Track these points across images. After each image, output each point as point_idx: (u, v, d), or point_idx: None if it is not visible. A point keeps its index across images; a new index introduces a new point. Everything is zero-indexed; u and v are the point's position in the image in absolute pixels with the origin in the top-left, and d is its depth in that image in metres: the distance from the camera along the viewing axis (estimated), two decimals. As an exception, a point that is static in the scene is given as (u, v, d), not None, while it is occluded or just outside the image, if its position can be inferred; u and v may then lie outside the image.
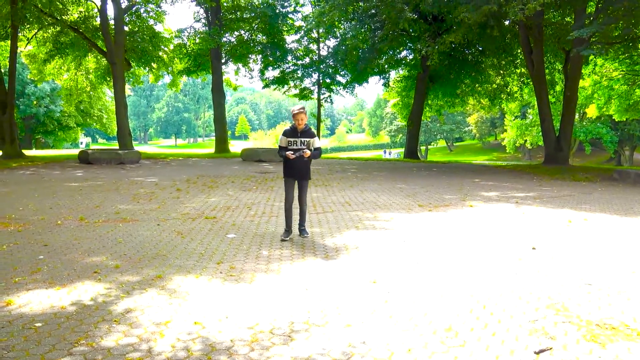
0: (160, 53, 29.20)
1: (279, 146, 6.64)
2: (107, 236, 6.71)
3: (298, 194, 6.71)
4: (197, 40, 28.59)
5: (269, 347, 3.34)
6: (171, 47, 30.00)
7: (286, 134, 6.57)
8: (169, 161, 21.35)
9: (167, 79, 34.14)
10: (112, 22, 24.73)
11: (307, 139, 6.50)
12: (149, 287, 4.56)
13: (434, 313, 3.95)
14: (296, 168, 6.55)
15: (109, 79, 28.93)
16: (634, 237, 6.83)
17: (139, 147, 41.37)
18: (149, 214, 8.50)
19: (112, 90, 27.12)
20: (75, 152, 26.50)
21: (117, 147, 24.17)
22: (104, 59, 26.77)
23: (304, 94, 32.85)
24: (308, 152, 6.40)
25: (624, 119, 32.69)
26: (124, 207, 9.12)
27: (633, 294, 4.41)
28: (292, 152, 6.40)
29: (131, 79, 31.26)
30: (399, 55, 29.44)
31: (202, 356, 3.20)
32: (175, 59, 30.53)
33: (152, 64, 29.41)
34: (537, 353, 3.25)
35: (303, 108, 6.40)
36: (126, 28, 25.73)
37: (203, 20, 29.67)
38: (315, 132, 6.57)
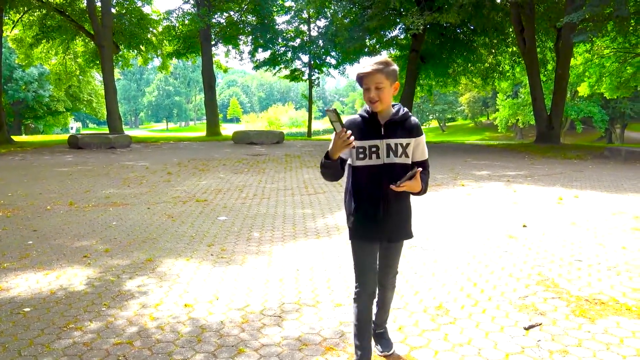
0: (149, 35, 28.87)
1: (327, 157, 2.45)
2: (97, 220, 6.66)
3: (380, 269, 2.77)
4: (186, 22, 28.26)
5: (259, 327, 3.34)
6: (160, 29, 29.65)
7: (354, 126, 2.52)
8: (160, 145, 21.22)
9: (157, 61, 33.82)
10: (99, 4, 24.33)
11: (404, 141, 2.54)
12: (139, 270, 4.54)
13: (425, 292, 3.96)
14: (383, 214, 2.57)
15: (97, 62, 28.59)
16: (624, 214, 6.86)
17: (129, 131, 41.04)
18: (140, 197, 8.44)
19: (101, 74, 26.82)
20: (65, 137, 26.24)
21: (108, 132, 23.98)
22: (92, 42, 26.41)
23: (294, 75, 32.64)
24: (416, 179, 2.46)
25: (615, 97, 32.73)
26: (114, 192, 9.05)
27: (622, 270, 4.43)
28: (395, 183, 2.42)
29: (120, 62, 30.91)
30: (390, 35, 29.18)
31: (192, 338, 3.19)
32: (164, 41, 30.20)
33: (141, 46, 29.07)
34: (527, 329, 3.27)
35: (386, 65, 2.45)
36: (113, 10, 25.35)
37: (192, 2, 29.29)
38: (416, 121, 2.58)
